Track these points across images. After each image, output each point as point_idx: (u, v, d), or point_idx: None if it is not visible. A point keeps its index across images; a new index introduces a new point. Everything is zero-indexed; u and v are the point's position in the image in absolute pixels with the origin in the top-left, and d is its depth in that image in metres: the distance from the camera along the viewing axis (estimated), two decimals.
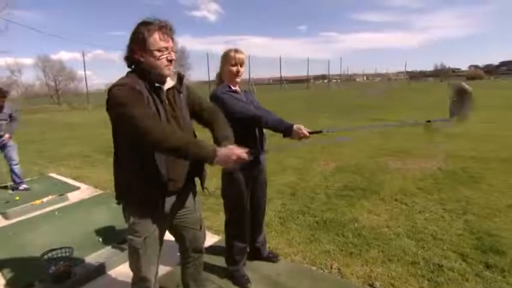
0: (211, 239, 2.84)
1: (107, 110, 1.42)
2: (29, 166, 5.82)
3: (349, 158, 5.70)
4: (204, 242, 1.90)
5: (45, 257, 2.22)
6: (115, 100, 1.38)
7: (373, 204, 3.61)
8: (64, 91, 30.82)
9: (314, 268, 2.44)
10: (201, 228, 1.83)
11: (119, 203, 1.58)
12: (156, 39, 1.44)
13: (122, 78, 1.47)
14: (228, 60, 2.06)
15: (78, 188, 4.49)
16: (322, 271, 2.39)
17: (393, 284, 2.19)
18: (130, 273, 1.66)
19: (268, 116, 1.98)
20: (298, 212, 3.52)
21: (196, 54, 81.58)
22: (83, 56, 24.09)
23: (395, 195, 3.81)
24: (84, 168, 5.88)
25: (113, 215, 3.25)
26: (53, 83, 30.66)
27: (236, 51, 2.07)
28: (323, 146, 6.86)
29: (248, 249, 2.35)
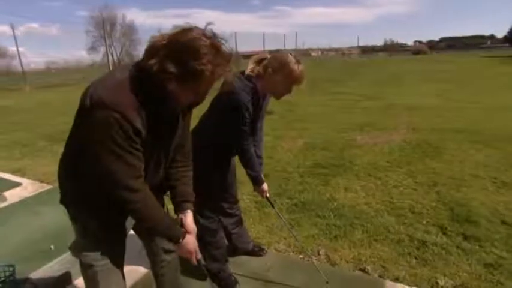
0: None
1: (79, 116, 1.07)
2: None
3: (316, 133, 5.65)
4: None
5: None
6: (97, 134, 1.00)
7: (348, 180, 3.57)
8: None
9: (301, 256, 2.29)
10: None
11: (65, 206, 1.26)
12: (213, 78, 1.03)
13: (118, 92, 1.01)
14: (292, 76, 1.67)
15: (19, 184, 3.83)
16: (309, 259, 2.26)
17: (384, 266, 2.13)
18: None
19: (255, 163, 1.86)
20: (274, 194, 3.35)
21: (146, 29, 76.42)
22: (13, 29, 21.17)
23: (368, 171, 3.80)
24: (26, 159, 5.10)
25: (66, 214, 2.77)
26: None
27: (300, 66, 1.68)
28: (287, 121, 6.76)
29: (227, 242, 2.14)
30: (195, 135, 1.88)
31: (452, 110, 6.86)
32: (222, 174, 2.00)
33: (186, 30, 0.99)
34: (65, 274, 2.08)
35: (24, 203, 3.29)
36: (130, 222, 1.37)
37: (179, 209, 1.35)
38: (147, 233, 1.31)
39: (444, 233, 2.48)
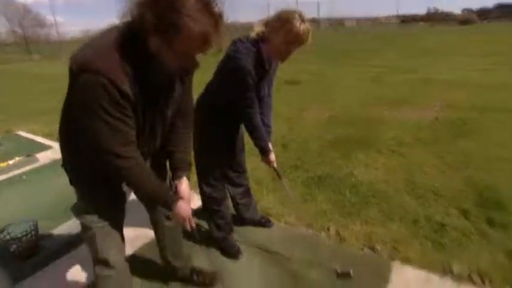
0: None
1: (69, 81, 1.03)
2: None
3: (342, 106, 5.42)
4: None
5: (4, 233, 1.92)
6: (83, 99, 0.98)
7: (369, 157, 3.41)
8: (33, 39, 28.36)
9: (310, 231, 2.26)
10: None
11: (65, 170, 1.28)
12: (197, 37, 0.93)
13: (104, 54, 0.96)
14: (292, 34, 1.54)
15: (50, 147, 4.06)
16: (318, 234, 2.22)
17: (395, 247, 2.04)
18: None
19: (261, 131, 1.79)
20: (290, 166, 3.30)
21: None
22: None
23: (392, 147, 3.61)
24: (57, 125, 5.37)
25: None
26: (19, 30, 28.08)
27: (304, 25, 1.54)
28: (313, 92, 6.54)
29: (234, 212, 2.14)
30: (199, 100, 1.85)
31: (497, 88, 6.23)
32: (228, 141, 1.96)
33: None
34: (79, 234, 2.19)
35: (53, 165, 3.46)
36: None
37: (175, 175, 1.34)
38: (139, 199, 1.32)
39: (466, 217, 2.32)
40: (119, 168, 1.09)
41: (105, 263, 1.35)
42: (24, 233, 1.93)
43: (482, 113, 4.68)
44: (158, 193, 1.21)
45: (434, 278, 1.76)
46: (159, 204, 1.27)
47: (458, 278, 1.77)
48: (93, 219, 1.27)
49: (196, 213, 2.41)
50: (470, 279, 1.76)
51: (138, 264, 1.50)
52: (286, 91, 6.42)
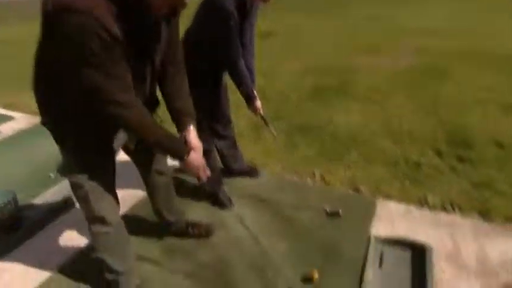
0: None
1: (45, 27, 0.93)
2: None
3: (318, 57, 5.36)
4: (166, 160, 1.62)
5: None
6: (73, 45, 0.89)
7: (347, 104, 3.48)
8: None
9: (296, 178, 2.34)
10: None
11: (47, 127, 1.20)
12: None
13: None
14: None
15: (11, 118, 3.71)
16: (305, 180, 2.31)
17: (377, 186, 2.17)
18: None
19: (245, 78, 1.77)
20: (271, 117, 3.26)
21: None
22: None
23: (368, 94, 3.69)
24: (19, 94, 4.89)
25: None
26: None
27: None
28: (287, 43, 6.38)
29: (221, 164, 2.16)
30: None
31: (467, 33, 6.36)
32: (212, 92, 1.90)
33: None
34: (67, 199, 2.13)
35: (18, 135, 3.22)
36: (118, 141, 1.33)
37: (180, 126, 1.29)
38: (153, 148, 1.26)
39: (439, 156, 2.49)
40: (122, 118, 1.03)
41: (102, 221, 1.34)
42: (2, 204, 1.82)
43: (452, 58, 4.82)
44: (169, 143, 1.16)
45: (414, 210, 1.92)
46: (171, 155, 1.23)
47: (433, 208, 1.95)
48: (83, 177, 1.22)
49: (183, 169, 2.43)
50: (443, 208, 1.94)
51: (132, 222, 1.49)
52: (262, 43, 6.20)
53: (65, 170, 1.25)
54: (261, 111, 1.94)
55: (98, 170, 1.25)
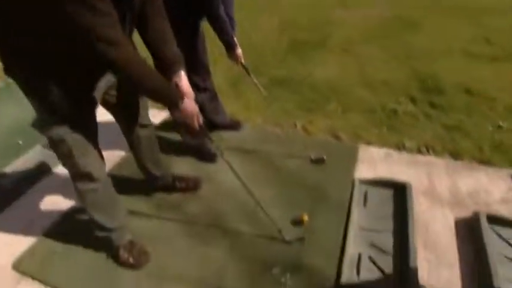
0: (160, 113, 2.48)
1: None
2: None
3: (292, 11, 5.17)
4: (148, 113, 1.55)
5: None
6: None
7: (323, 57, 3.46)
8: None
9: (278, 129, 2.34)
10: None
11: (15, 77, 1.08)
12: None
13: None
14: None
15: None
16: (286, 131, 2.32)
17: (356, 133, 2.24)
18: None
19: (226, 26, 1.71)
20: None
21: None
22: None
23: (343, 46, 3.67)
24: None
25: (28, 106, 2.47)
26: None
27: None
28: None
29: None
30: None
31: None
32: (188, 41, 1.79)
33: None
34: (42, 165, 2.01)
35: None
36: (98, 91, 1.23)
37: (170, 73, 1.21)
38: (146, 95, 1.17)
39: (413, 103, 2.58)
40: (114, 58, 0.95)
41: (88, 177, 1.27)
42: None
43: (425, 10, 4.83)
44: (164, 89, 1.09)
45: (393, 153, 2.01)
46: (165, 103, 1.16)
47: (410, 151, 2.06)
48: (64, 130, 1.13)
49: (165, 124, 2.35)
50: (419, 151, 2.06)
51: (116, 181, 1.44)
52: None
53: (41, 125, 1.14)
54: (242, 60, 1.87)
55: (78, 121, 1.16)
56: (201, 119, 1.25)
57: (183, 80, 1.21)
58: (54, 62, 0.99)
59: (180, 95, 1.16)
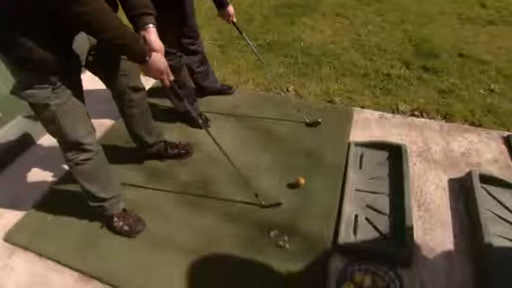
0: (149, 80, 2.36)
1: None
2: None
3: None
4: (139, 76, 1.46)
5: None
6: None
7: (314, 20, 3.32)
8: None
9: (271, 94, 2.27)
10: None
11: None
12: None
13: None
14: None
15: None
16: (279, 95, 2.26)
17: (350, 97, 2.20)
18: (56, 143, 1.23)
19: None
20: (237, 37, 3.07)
21: None
22: None
23: (335, 9, 3.53)
24: None
25: (4, 77, 2.30)
26: None
27: None
28: None
29: (193, 84, 2.01)
30: None
31: None
32: (177, 3, 1.67)
33: None
34: (24, 136, 1.91)
35: None
36: (81, 53, 1.13)
37: (139, 25, 1.11)
38: (113, 48, 1.08)
39: (407, 67, 2.54)
40: (80, 13, 0.85)
41: (77, 146, 1.21)
42: None
43: None
44: (130, 40, 0.99)
45: (387, 116, 2.00)
46: (132, 57, 1.06)
47: (404, 113, 2.04)
48: (47, 94, 1.04)
49: (154, 91, 2.24)
50: (413, 114, 2.04)
51: (107, 150, 1.37)
52: None
53: (22, 90, 1.04)
54: (234, 18, 1.76)
55: (62, 84, 1.07)
56: (171, 76, 1.17)
57: (151, 34, 1.12)
58: (18, 12, 0.89)
59: (147, 48, 1.07)
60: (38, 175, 1.77)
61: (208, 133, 1.38)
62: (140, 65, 1.08)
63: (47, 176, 1.75)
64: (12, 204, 1.61)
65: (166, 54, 1.71)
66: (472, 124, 1.97)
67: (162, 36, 1.65)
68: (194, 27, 1.90)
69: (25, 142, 1.93)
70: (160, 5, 1.53)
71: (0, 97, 1.83)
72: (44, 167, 1.80)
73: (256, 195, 1.47)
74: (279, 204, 1.47)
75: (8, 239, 1.46)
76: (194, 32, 1.91)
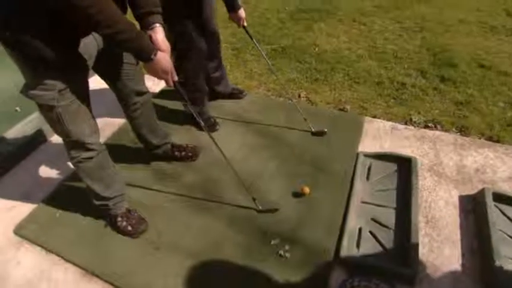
0: (160, 82, 2.39)
1: None
2: None
3: None
4: (144, 80, 1.48)
5: None
6: None
7: (330, 26, 3.29)
8: None
9: (282, 99, 2.26)
10: (137, 63, 1.37)
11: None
12: None
13: None
14: None
15: None
16: (290, 101, 2.24)
17: (363, 105, 2.16)
18: None
19: None
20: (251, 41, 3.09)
21: None
22: None
23: (352, 16, 3.48)
24: None
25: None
26: None
27: None
28: None
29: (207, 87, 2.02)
30: None
31: None
32: (197, 6, 1.67)
33: None
34: (38, 132, 1.96)
35: None
36: (90, 54, 1.15)
37: (145, 24, 1.12)
38: (116, 47, 1.08)
39: (423, 76, 2.47)
40: (82, 6, 0.86)
41: (81, 145, 1.23)
42: None
43: None
44: (135, 35, 0.99)
45: (400, 126, 1.94)
46: (136, 55, 1.07)
47: (417, 125, 1.98)
48: (53, 96, 1.07)
49: (165, 93, 2.27)
50: (426, 126, 1.98)
51: (114, 150, 1.39)
52: None
53: (29, 91, 1.07)
54: (245, 23, 1.77)
55: (67, 86, 1.09)
56: (175, 77, 1.17)
57: (158, 34, 1.12)
58: (29, 14, 0.91)
59: (153, 47, 1.07)
60: (49, 170, 1.81)
61: (210, 137, 1.39)
62: (145, 64, 1.09)
63: (58, 172, 1.79)
64: (23, 198, 1.66)
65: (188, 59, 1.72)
66: (490, 139, 1.89)
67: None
68: (214, 32, 1.89)
69: (39, 138, 1.98)
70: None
71: (15, 94, 1.88)
72: (56, 163, 1.84)
73: (254, 200, 1.46)
74: (276, 210, 1.46)
75: (17, 231, 1.50)
76: (213, 37, 1.90)
